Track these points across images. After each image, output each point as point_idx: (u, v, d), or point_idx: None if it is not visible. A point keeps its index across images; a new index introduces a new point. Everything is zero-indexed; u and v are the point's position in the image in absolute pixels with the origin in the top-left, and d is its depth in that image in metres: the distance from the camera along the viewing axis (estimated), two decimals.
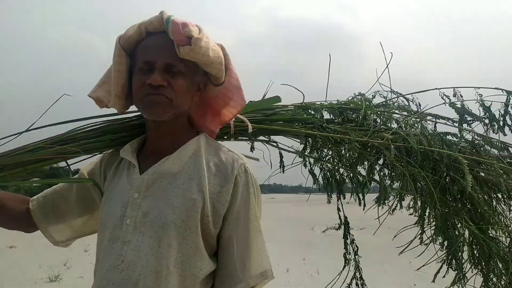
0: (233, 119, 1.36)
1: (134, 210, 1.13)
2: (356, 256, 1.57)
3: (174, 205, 1.11)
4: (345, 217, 1.57)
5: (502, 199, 1.52)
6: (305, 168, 1.58)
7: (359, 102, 1.60)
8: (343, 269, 1.55)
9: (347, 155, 1.54)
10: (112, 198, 1.20)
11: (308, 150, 1.53)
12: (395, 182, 1.54)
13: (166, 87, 1.13)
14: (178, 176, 1.15)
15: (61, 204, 1.37)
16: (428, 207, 1.50)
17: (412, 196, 1.49)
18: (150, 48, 1.15)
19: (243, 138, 1.49)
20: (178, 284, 1.07)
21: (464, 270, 1.49)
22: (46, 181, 1.42)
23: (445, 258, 1.51)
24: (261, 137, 1.53)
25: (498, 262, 1.45)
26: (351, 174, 1.57)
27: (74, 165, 1.34)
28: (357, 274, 1.58)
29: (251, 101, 1.49)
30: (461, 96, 1.57)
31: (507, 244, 1.49)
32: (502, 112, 1.54)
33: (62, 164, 1.32)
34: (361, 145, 1.48)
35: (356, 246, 1.57)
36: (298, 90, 1.61)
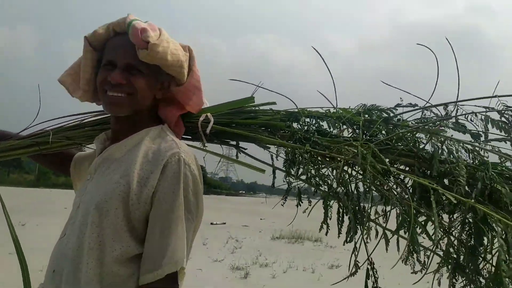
0: (201, 121, 1.40)
1: (83, 190, 1.27)
2: None
3: (102, 187, 1.19)
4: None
5: None
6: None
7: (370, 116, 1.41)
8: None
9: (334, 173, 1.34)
10: (82, 180, 1.42)
11: (284, 164, 1.38)
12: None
13: (124, 84, 1.23)
14: (117, 162, 1.24)
15: (83, 165, 1.56)
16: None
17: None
18: (114, 48, 1.26)
19: (213, 141, 1.42)
20: (97, 260, 1.13)
21: None
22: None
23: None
24: (232, 142, 1.42)
25: None
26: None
27: None
28: None
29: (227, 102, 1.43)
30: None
31: None
32: None
33: None
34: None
35: None
36: (283, 95, 1.46)
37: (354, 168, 1.34)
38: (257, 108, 1.41)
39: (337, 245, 12.75)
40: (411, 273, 1.39)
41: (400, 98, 1.43)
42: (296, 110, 1.42)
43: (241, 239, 12.50)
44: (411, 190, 1.29)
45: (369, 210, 1.33)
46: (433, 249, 1.30)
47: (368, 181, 1.23)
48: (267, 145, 1.36)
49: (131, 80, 1.23)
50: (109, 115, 1.42)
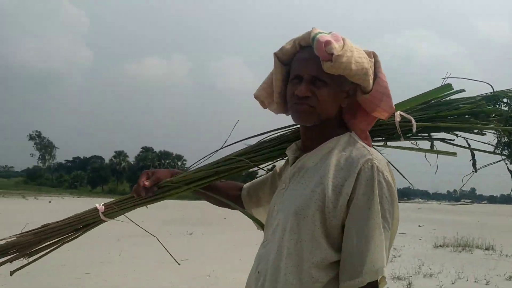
0: (400, 119, 1.42)
1: (279, 198, 1.35)
2: None
3: (299, 195, 1.25)
4: None
5: None
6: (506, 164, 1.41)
7: None
8: None
9: None
10: (262, 204, 1.60)
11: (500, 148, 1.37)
12: None
13: (310, 97, 1.27)
14: (310, 170, 1.29)
15: (260, 191, 1.65)
16: None
17: None
18: (300, 62, 1.32)
19: (415, 138, 1.43)
20: (295, 265, 1.20)
21: None
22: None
23: None
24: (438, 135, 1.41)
25: None
26: None
27: None
28: None
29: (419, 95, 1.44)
30: None
31: None
32: None
33: None
34: None
35: None
36: (482, 81, 1.42)
37: None
38: (448, 98, 1.39)
39: None
40: None
41: None
42: (492, 93, 1.38)
43: (399, 247, 11.96)
44: None
45: None
46: None
47: None
48: (482, 132, 1.35)
49: (316, 93, 1.27)
50: (283, 132, 1.55)
